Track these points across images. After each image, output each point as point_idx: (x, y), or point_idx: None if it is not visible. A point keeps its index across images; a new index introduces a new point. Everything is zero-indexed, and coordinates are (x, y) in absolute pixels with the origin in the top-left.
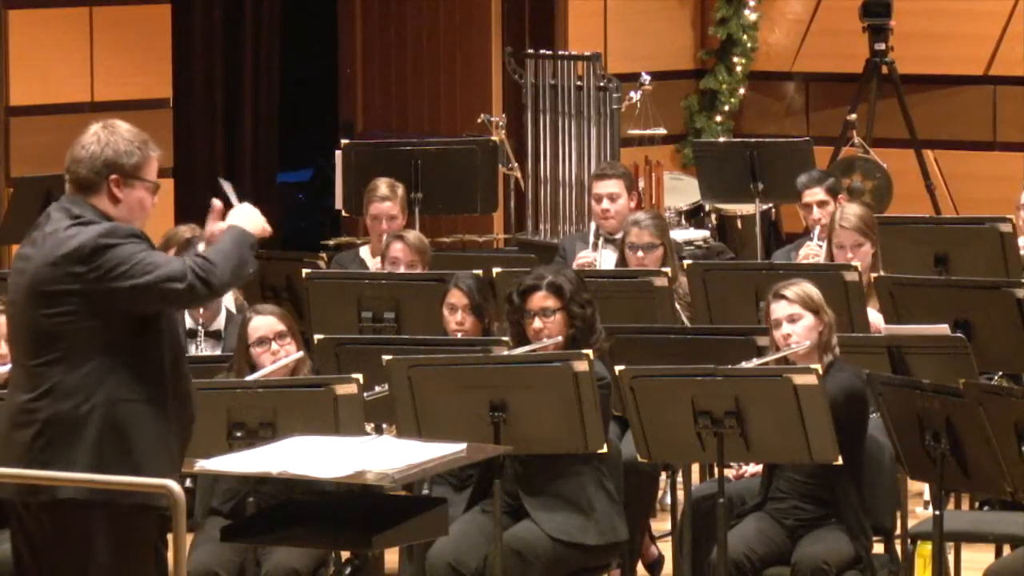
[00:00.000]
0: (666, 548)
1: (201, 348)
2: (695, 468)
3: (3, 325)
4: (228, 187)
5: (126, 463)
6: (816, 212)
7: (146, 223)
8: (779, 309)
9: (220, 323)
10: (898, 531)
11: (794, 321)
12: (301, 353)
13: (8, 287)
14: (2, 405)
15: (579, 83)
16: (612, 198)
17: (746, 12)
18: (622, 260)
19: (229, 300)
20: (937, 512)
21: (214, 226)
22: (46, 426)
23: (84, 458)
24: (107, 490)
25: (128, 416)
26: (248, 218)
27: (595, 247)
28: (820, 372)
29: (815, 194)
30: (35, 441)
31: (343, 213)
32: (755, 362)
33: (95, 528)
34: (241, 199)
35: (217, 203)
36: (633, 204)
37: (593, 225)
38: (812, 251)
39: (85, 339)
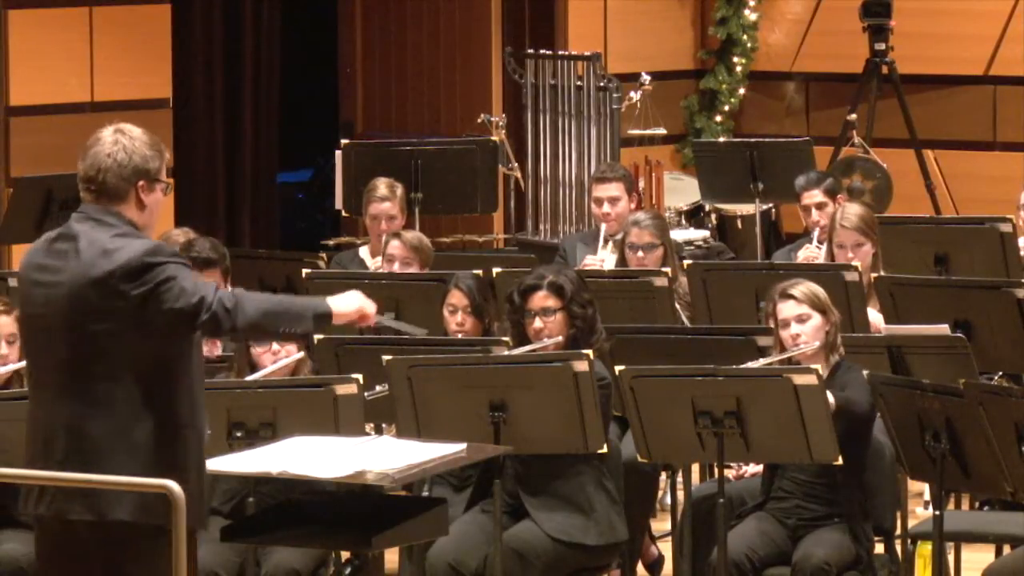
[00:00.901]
0: (666, 548)
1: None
2: (695, 468)
3: (4, 326)
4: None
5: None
6: (815, 214)
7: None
8: (787, 309)
9: None
10: (898, 531)
11: (803, 321)
12: (301, 354)
13: (29, 299)
14: (35, 419)
15: (579, 83)
16: (612, 201)
17: (746, 12)
18: (622, 260)
19: None
20: (937, 512)
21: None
22: (93, 440)
23: (129, 472)
24: (154, 512)
25: (172, 433)
26: (350, 301)
27: (603, 247)
28: (820, 372)
29: (813, 196)
30: (79, 454)
31: (343, 213)
32: (762, 362)
33: (140, 548)
34: (241, 199)
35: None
36: (633, 205)
37: (604, 226)
38: (811, 254)
39: (131, 355)
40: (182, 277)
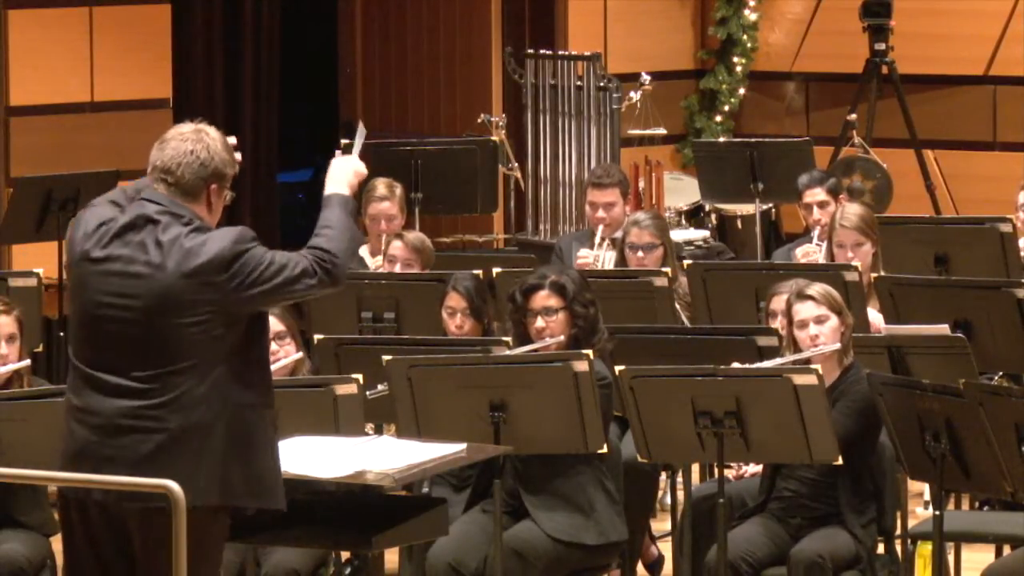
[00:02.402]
0: (666, 548)
1: None
2: (695, 468)
3: (4, 326)
4: (360, 138)
5: (249, 474)
6: (816, 213)
7: None
8: (805, 310)
9: None
10: (898, 531)
11: (821, 322)
12: (300, 354)
13: (94, 287)
14: (96, 411)
15: (579, 83)
16: (608, 207)
17: (746, 12)
18: (622, 260)
19: None
20: (937, 512)
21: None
22: (175, 436)
23: (211, 468)
24: (229, 494)
25: (250, 424)
26: (342, 176)
27: (599, 246)
28: (820, 372)
29: (816, 195)
30: (161, 450)
31: None
32: (777, 362)
33: (204, 534)
34: (241, 199)
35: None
36: (629, 208)
37: (600, 227)
38: (811, 250)
39: (212, 347)
40: (274, 255)
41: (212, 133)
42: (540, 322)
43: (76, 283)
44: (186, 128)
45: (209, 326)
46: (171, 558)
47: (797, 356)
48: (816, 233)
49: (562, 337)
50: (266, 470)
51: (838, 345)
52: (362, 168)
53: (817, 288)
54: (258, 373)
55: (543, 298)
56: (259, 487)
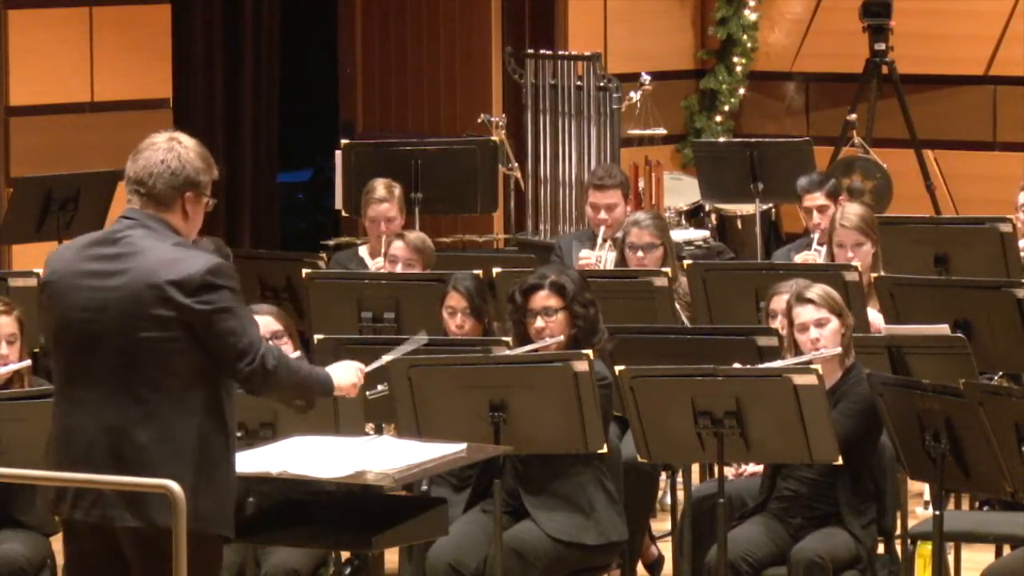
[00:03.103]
0: (666, 548)
1: None
2: (695, 468)
3: (4, 326)
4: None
5: (218, 495)
6: (816, 217)
7: None
8: (805, 313)
9: None
10: (898, 531)
11: (822, 325)
12: (298, 353)
13: (68, 303)
14: (74, 424)
15: (579, 83)
16: (610, 209)
17: (746, 12)
18: (622, 260)
19: None
20: (937, 512)
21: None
22: (143, 449)
23: (183, 485)
24: (204, 519)
25: (217, 439)
26: (343, 373)
27: (600, 247)
28: (820, 372)
29: (815, 198)
30: (130, 464)
31: (343, 213)
32: (778, 364)
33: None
34: (241, 199)
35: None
36: (630, 208)
37: (602, 228)
38: (810, 257)
39: (182, 362)
40: (239, 313)
41: (185, 141)
42: (540, 322)
43: (51, 300)
44: (159, 138)
45: (174, 344)
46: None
47: (798, 360)
48: (816, 237)
49: (562, 337)
50: (228, 498)
51: (839, 350)
52: (358, 382)
53: (817, 290)
54: (227, 398)
55: (543, 298)
56: (221, 512)
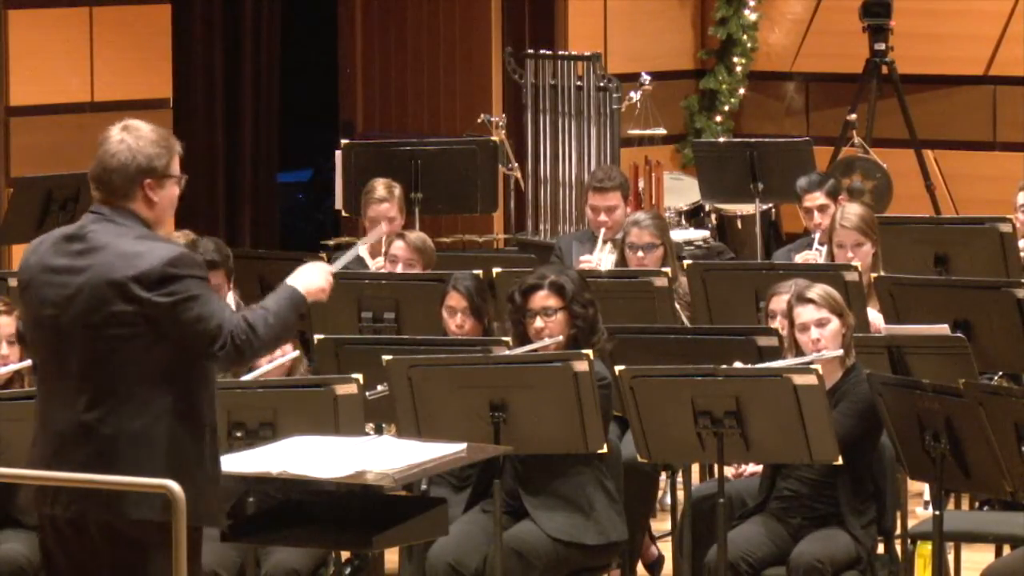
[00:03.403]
0: (666, 548)
1: None
2: (695, 468)
3: (4, 326)
4: (346, 257)
5: (193, 486)
6: (817, 217)
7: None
8: (806, 313)
9: None
10: (898, 531)
11: (822, 325)
12: (296, 352)
13: (39, 300)
14: (48, 419)
15: (579, 83)
16: (610, 211)
17: (746, 12)
18: (622, 260)
19: (231, 300)
20: (937, 512)
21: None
22: (110, 442)
23: (153, 475)
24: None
25: (192, 433)
26: (309, 278)
27: (601, 249)
28: (820, 372)
29: (815, 199)
30: (99, 459)
31: (343, 213)
32: (780, 364)
33: (158, 547)
34: (241, 199)
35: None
36: (630, 209)
37: (602, 229)
38: (811, 257)
39: (147, 357)
40: (203, 299)
41: (137, 129)
42: (539, 322)
43: (25, 297)
44: (112, 131)
45: (138, 339)
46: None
47: (799, 361)
48: (816, 237)
49: (561, 337)
50: (207, 489)
51: (840, 352)
52: (327, 284)
53: (817, 291)
54: (200, 389)
55: (542, 298)
56: (197, 505)
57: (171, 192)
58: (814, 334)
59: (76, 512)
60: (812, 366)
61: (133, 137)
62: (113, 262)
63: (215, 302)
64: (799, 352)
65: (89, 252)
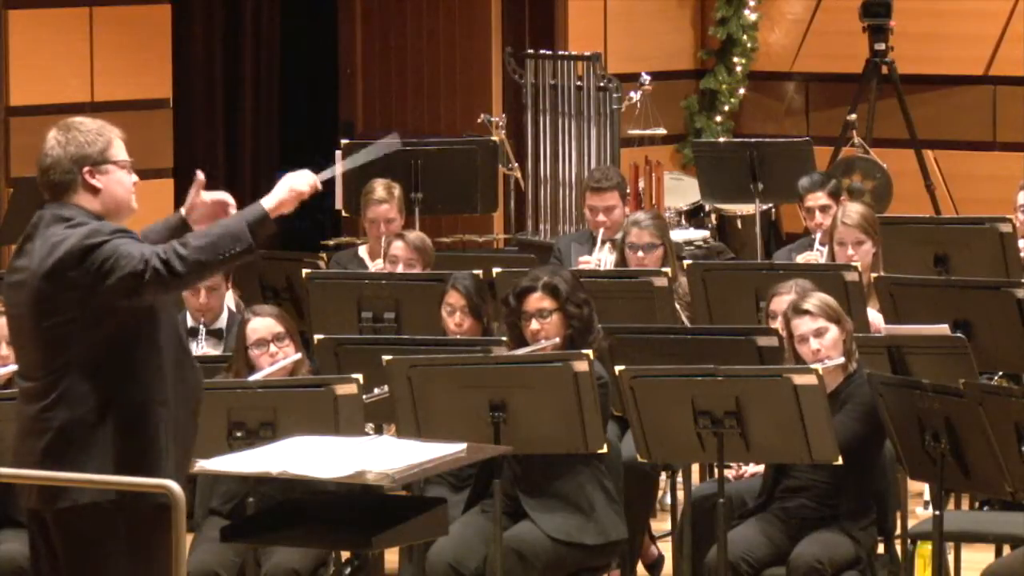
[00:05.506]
0: (666, 548)
1: (202, 347)
2: (695, 468)
3: (4, 327)
4: (333, 170)
5: (142, 464)
6: (818, 216)
7: (135, 211)
8: (803, 325)
9: (222, 322)
10: (898, 531)
11: (821, 335)
12: (299, 355)
13: (8, 298)
14: (16, 415)
15: (579, 83)
16: (608, 211)
17: (746, 12)
18: (622, 260)
19: (230, 299)
20: (937, 512)
21: (196, 198)
22: (60, 433)
23: (99, 462)
24: (128, 492)
25: (140, 418)
26: (277, 191)
27: (600, 249)
28: (820, 372)
29: (817, 199)
30: (50, 448)
31: (343, 213)
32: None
33: (115, 531)
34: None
35: (200, 175)
36: (629, 209)
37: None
38: (812, 258)
39: (89, 343)
40: (123, 246)
41: (69, 125)
42: (535, 324)
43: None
44: (51, 132)
45: (78, 322)
46: (92, 559)
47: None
48: (818, 237)
49: (557, 339)
50: (159, 467)
51: (842, 360)
52: (306, 188)
53: (813, 300)
54: (150, 370)
55: (536, 300)
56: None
57: (116, 177)
58: (813, 345)
59: (35, 502)
60: (813, 366)
61: (63, 132)
62: (43, 256)
63: (133, 244)
64: (799, 363)
65: (28, 253)
